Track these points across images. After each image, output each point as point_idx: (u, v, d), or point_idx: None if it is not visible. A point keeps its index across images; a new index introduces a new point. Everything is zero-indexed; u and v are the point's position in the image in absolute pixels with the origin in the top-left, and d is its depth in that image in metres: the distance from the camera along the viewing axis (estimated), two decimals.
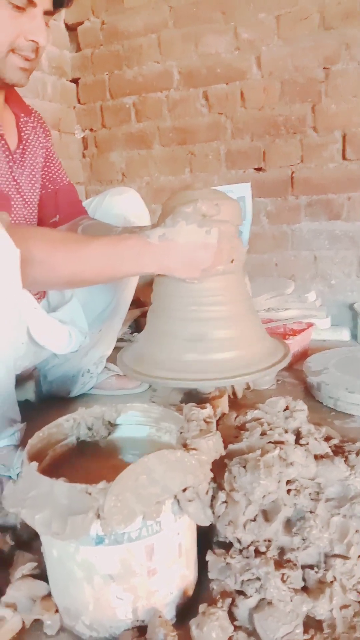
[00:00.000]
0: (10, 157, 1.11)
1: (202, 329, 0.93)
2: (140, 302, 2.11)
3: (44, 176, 1.26)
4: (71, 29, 2.28)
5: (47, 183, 1.27)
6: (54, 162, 1.28)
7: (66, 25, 2.27)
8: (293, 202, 2.06)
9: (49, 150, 1.27)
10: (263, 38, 1.96)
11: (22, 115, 1.18)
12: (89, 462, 0.76)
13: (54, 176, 1.28)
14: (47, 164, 1.27)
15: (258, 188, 2.05)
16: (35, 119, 1.23)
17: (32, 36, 0.96)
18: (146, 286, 1.91)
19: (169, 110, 2.18)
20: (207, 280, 0.91)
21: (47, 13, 0.97)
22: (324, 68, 1.90)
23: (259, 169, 2.09)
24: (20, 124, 1.16)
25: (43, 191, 1.26)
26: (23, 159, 1.16)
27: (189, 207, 0.86)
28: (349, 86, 1.88)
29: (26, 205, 1.18)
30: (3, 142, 1.08)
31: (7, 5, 0.92)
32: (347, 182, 1.96)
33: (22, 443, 1.03)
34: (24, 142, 1.16)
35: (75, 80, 2.33)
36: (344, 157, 1.95)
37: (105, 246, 0.89)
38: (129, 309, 1.43)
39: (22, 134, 1.16)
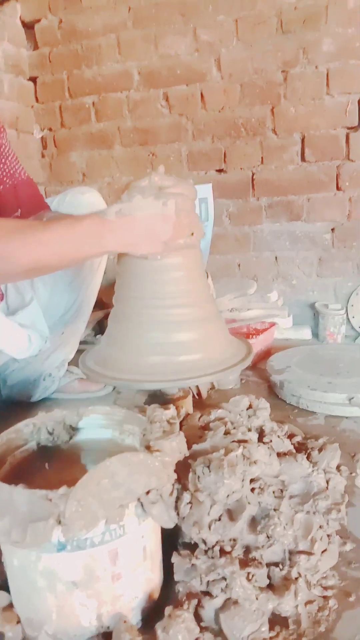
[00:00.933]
0: None
1: (165, 329, 0.92)
2: (103, 304, 2.09)
3: (0, 172, 1.23)
4: (28, 26, 2.24)
5: (4, 178, 1.23)
6: (9, 157, 1.25)
7: (22, 22, 2.23)
8: (254, 204, 2.08)
9: (3, 146, 1.24)
10: (222, 40, 1.97)
11: None
12: (50, 467, 0.74)
13: (11, 171, 1.25)
14: (3, 159, 1.24)
15: (220, 189, 2.06)
16: None
17: None
18: (109, 287, 1.89)
19: (129, 111, 2.17)
20: (170, 281, 0.91)
21: None
22: (283, 71, 1.93)
23: (220, 171, 2.10)
24: None
25: (0, 187, 1.23)
26: None
27: (144, 181, 0.86)
28: (308, 89, 1.91)
29: None
30: None
31: None
32: (306, 183, 1.99)
33: None
34: None
35: (33, 79, 2.29)
36: (303, 159, 1.98)
37: (63, 228, 0.87)
38: (92, 311, 1.41)
39: None
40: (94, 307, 1.41)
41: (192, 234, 0.90)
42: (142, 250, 0.88)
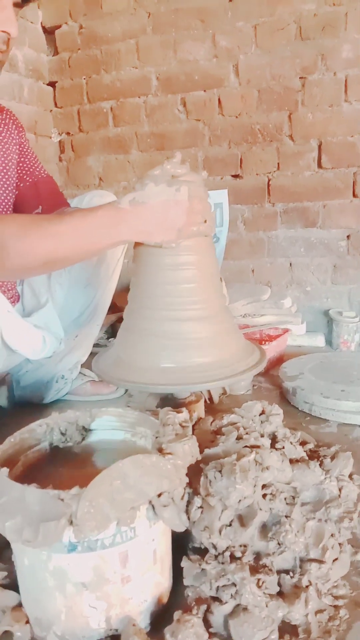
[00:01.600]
0: None
1: (178, 333, 0.92)
2: (116, 307, 2.09)
3: (20, 170, 1.25)
4: (49, 32, 2.27)
5: (24, 176, 1.25)
6: (29, 156, 1.27)
7: (43, 28, 2.26)
8: (269, 209, 2.08)
9: (22, 145, 1.25)
10: (241, 46, 1.98)
11: None
12: (63, 468, 0.74)
13: (31, 169, 1.26)
14: (22, 158, 1.25)
15: (235, 195, 2.06)
16: (7, 116, 1.22)
17: (3, 27, 0.96)
18: (123, 292, 1.90)
19: (146, 116, 2.18)
20: (184, 280, 0.91)
21: (15, 5, 0.98)
22: (301, 78, 1.93)
23: (236, 176, 2.10)
24: None
25: (21, 184, 1.24)
26: None
27: (156, 170, 0.87)
28: (325, 96, 1.91)
29: None
30: None
31: None
32: (322, 190, 1.99)
33: None
34: None
35: (52, 84, 2.31)
36: (319, 166, 1.98)
37: (77, 220, 0.87)
38: (106, 315, 1.42)
39: None
40: (108, 311, 1.42)
41: (205, 221, 0.90)
42: (157, 238, 0.87)
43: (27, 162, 1.26)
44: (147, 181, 0.86)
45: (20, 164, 1.25)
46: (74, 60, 2.25)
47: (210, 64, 2.04)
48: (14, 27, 0.97)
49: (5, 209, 1.20)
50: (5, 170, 1.18)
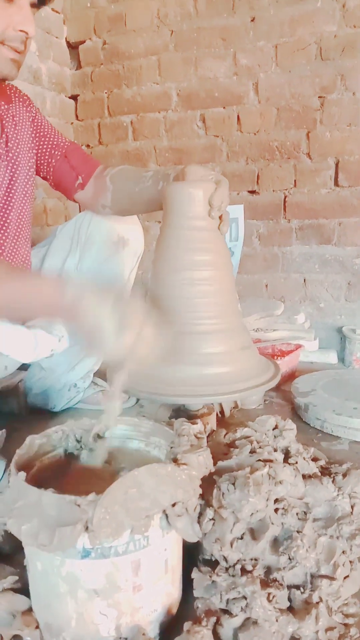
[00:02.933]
0: None
1: (193, 346, 0.93)
2: None
3: (45, 145, 1.26)
4: (73, 47, 2.32)
5: (52, 151, 1.26)
6: (47, 129, 1.27)
7: (68, 43, 2.31)
8: (285, 225, 2.09)
9: (36, 121, 1.25)
10: (261, 65, 2.01)
11: (3, 103, 1.17)
12: (76, 475, 0.75)
13: (55, 142, 1.27)
14: (42, 134, 1.26)
15: (251, 210, 2.08)
16: (19, 101, 1.22)
17: (21, 26, 0.98)
18: None
19: (166, 131, 2.21)
20: (201, 295, 0.92)
21: (33, 6, 1.00)
22: (320, 97, 1.95)
23: (252, 192, 2.12)
24: (0, 111, 1.15)
25: (53, 161, 1.26)
26: (9, 146, 1.15)
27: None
28: (344, 115, 1.92)
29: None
30: None
31: None
32: (338, 208, 2.00)
33: (3, 452, 1.01)
34: (6, 129, 1.15)
35: (74, 97, 2.36)
36: (336, 184, 1.99)
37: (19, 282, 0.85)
38: None
39: (4, 122, 1.15)
40: None
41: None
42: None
43: (49, 137, 1.26)
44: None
45: (43, 140, 1.25)
46: (96, 74, 2.30)
47: (230, 81, 2.07)
48: (32, 27, 0.99)
49: (27, 192, 1.21)
50: (24, 153, 1.19)
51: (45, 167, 1.27)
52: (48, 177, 1.29)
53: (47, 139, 1.26)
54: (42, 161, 1.27)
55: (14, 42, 1.00)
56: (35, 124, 1.25)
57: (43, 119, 1.28)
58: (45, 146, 1.26)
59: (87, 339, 0.77)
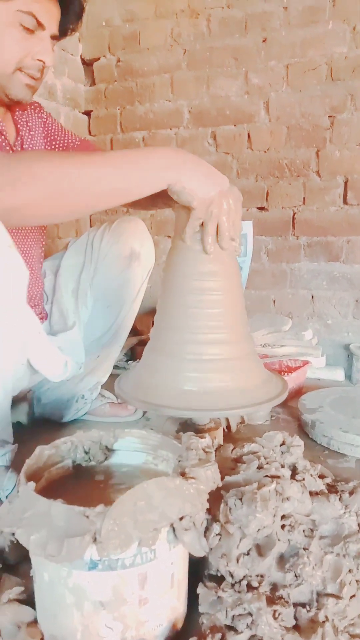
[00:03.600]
0: (10, 149, 1.13)
1: (200, 361, 0.94)
2: (137, 331, 2.12)
3: (56, 147, 1.27)
4: (87, 64, 2.36)
5: (72, 146, 1.28)
6: (58, 131, 1.29)
7: (83, 60, 2.36)
8: (293, 242, 2.11)
9: (47, 124, 1.28)
10: (272, 84, 2.04)
11: (17, 110, 1.20)
12: (84, 487, 0.75)
13: (65, 142, 1.29)
14: (53, 137, 1.28)
15: (260, 226, 2.10)
16: (31, 108, 1.25)
17: (39, 56, 1.02)
18: (144, 316, 1.93)
19: (177, 147, 2.24)
20: (210, 305, 0.93)
21: (53, 37, 1.04)
22: (330, 116, 1.97)
23: (261, 208, 2.14)
24: (15, 117, 1.19)
25: None
26: (24, 148, 1.18)
27: None
28: (353, 135, 1.95)
29: None
30: (3, 136, 1.11)
31: (19, 27, 0.98)
32: (347, 225, 2.01)
33: (13, 464, 1.02)
34: (21, 133, 1.19)
35: (87, 113, 2.40)
36: (345, 202, 2.00)
37: (130, 152, 0.90)
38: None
39: (18, 126, 1.19)
40: (129, 334, 1.44)
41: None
42: (197, 189, 0.88)
43: (60, 137, 1.28)
44: None
45: (55, 141, 1.27)
46: (109, 91, 2.34)
47: (241, 100, 2.10)
48: (50, 57, 1.03)
49: None
50: None
51: None
52: None
53: (57, 141, 1.28)
54: None
55: (31, 70, 1.04)
56: (46, 127, 1.28)
57: (54, 122, 1.30)
58: (56, 148, 1.28)
59: (211, 173, 0.91)
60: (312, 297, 2.11)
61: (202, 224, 0.92)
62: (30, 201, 0.82)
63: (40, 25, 0.99)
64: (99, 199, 0.88)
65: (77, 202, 0.87)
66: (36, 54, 1.01)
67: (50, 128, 1.28)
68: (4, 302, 0.89)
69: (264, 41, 2.03)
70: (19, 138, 1.18)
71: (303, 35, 1.96)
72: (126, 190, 0.89)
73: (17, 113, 1.20)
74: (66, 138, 1.30)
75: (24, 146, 1.18)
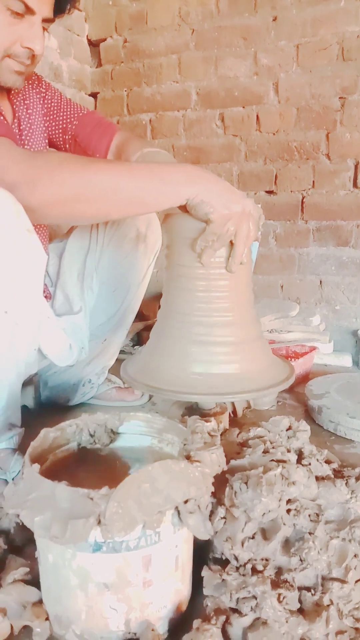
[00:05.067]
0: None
1: (207, 345, 0.93)
2: (143, 316, 2.12)
3: (56, 127, 1.23)
4: (94, 44, 2.33)
5: (64, 136, 1.23)
6: (59, 105, 1.23)
7: (89, 41, 2.32)
8: (302, 227, 2.08)
9: (46, 100, 1.22)
10: (282, 65, 2.00)
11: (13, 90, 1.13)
12: (89, 469, 0.75)
13: (70, 114, 1.24)
14: (54, 112, 1.22)
15: (268, 210, 2.07)
16: (29, 83, 1.19)
17: (28, 43, 0.95)
18: (150, 300, 1.92)
19: (184, 130, 2.21)
20: (216, 298, 0.92)
21: (46, 20, 0.97)
22: (340, 98, 1.93)
23: (270, 192, 2.11)
24: (11, 96, 1.14)
25: (67, 145, 1.23)
26: (21, 130, 1.14)
27: None
28: None
29: None
30: (2, 117, 1.04)
31: (6, 12, 0.91)
32: (357, 209, 1.98)
33: (20, 447, 1.02)
34: (17, 113, 1.14)
35: (94, 95, 2.37)
36: (355, 185, 1.97)
37: (154, 166, 0.89)
38: (133, 322, 1.43)
39: (14, 107, 1.14)
40: (135, 319, 1.43)
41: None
42: (216, 203, 0.86)
43: (61, 117, 1.22)
44: None
45: (55, 122, 1.22)
46: (116, 72, 2.30)
47: (250, 81, 2.06)
48: (39, 45, 0.96)
49: None
50: (37, 135, 1.18)
51: (62, 149, 1.26)
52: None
53: (58, 117, 1.23)
54: (56, 141, 1.25)
55: (20, 57, 0.97)
56: (45, 103, 1.22)
57: (54, 94, 1.24)
58: (56, 127, 1.23)
59: (233, 191, 0.88)
60: (321, 282, 2.09)
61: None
62: (47, 203, 0.84)
63: (29, 10, 0.92)
64: (116, 208, 0.89)
65: (93, 208, 0.87)
66: (25, 40, 0.95)
67: (50, 103, 1.23)
68: (21, 286, 0.88)
69: (274, 20, 1.98)
70: (15, 120, 1.13)
71: (314, 13, 1.92)
72: (143, 201, 0.89)
73: (12, 92, 1.13)
74: (68, 111, 1.24)
75: (21, 127, 1.14)
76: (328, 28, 1.91)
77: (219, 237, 0.88)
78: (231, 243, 0.90)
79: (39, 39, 0.96)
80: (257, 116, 2.07)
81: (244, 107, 2.09)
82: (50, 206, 0.85)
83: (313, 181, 2.03)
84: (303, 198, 2.06)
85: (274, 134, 2.06)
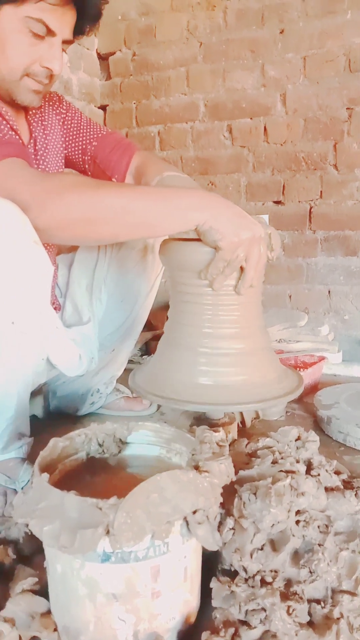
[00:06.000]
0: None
1: (215, 355, 0.93)
2: (152, 326, 2.12)
3: (76, 148, 1.24)
4: (103, 58, 2.36)
5: (83, 157, 1.24)
6: (80, 126, 1.24)
7: (98, 54, 2.36)
8: (310, 237, 2.08)
9: (66, 122, 1.23)
10: (289, 77, 2.01)
11: (31, 108, 1.14)
12: (97, 479, 0.75)
13: (90, 135, 1.24)
14: (75, 133, 1.23)
15: (276, 221, 2.08)
16: (49, 105, 1.20)
17: (47, 63, 0.97)
18: (158, 310, 1.93)
19: (192, 141, 2.23)
20: (226, 300, 0.92)
21: (65, 42, 0.99)
22: (348, 108, 1.95)
23: (277, 202, 2.12)
24: (29, 116, 1.15)
25: (86, 166, 1.24)
26: (37, 149, 1.15)
27: None
28: None
29: None
30: (17, 136, 1.05)
31: (28, 33, 0.93)
32: None
33: (29, 457, 1.03)
34: (34, 133, 1.15)
35: (103, 107, 2.40)
36: None
37: (167, 190, 0.91)
38: (141, 332, 1.44)
39: (31, 127, 1.15)
40: (143, 328, 1.43)
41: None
42: (225, 230, 0.86)
43: (80, 140, 1.23)
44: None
45: (75, 144, 1.23)
46: (125, 85, 2.33)
47: (257, 92, 2.08)
48: (58, 65, 0.98)
49: None
50: (53, 156, 1.18)
51: (81, 169, 1.27)
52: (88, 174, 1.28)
53: (78, 138, 1.24)
54: (76, 161, 1.26)
55: (39, 77, 0.99)
56: (65, 124, 1.23)
57: (74, 115, 1.25)
58: (76, 148, 1.24)
59: (243, 217, 0.88)
60: (329, 292, 2.09)
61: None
62: (55, 225, 0.86)
63: (50, 32, 0.94)
64: (124, 231, 0.90)
65: (101, 231, 0.88)
66: (44, 61, 0.97)
67: (70, 124, 1.24)
68: (28, 297, 0.89)
69: (281, 33, 2.00)
70: (31, 140, 1.14)
71: (321, 25, 1.94)
72: (153, 225, 0.89)
73: (30, 112, 1.15)
74: (88, 132, 1.25)
75: (36, 147, 1.15)
76: (335, 40, 1.92)
77: (229, 264, 0.88)
78: (241, 268, 0.90)
79: (57, 60, 0.97)
80: (265, 127, 2.09)
81: (251, 119, 2.11)
82: (58, 228, 0.87)
83: (321, 191, 2.04)
84: (311, 208, 2.06)
85: (281, 144, 2.07)
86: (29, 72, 0.98)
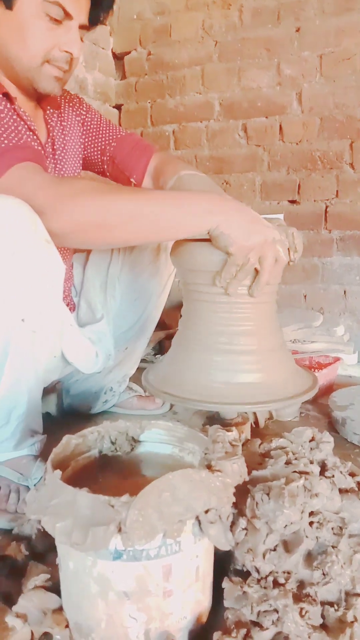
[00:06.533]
0: (42, 150, 1.11)
1: (229, 355, 0.93)
2: (165, 325, 2.12)
3: (95, 149, 1.25)
4: (118, 58, 2.37)
5: (102, 157, 1.25)
6: (99, 127, 1.25)
7: (114, 54, 2.36)
8: (325, 236, 2.07)
9: (85, 123, 1.24)
10: (305, 75, 2.00)
11: (49, 107, 1.16)
12: (110, 477, 0.75)
13: (110, 136, 1.25)
14: (94, 134, 1.24)
15: (291, 220, 2.06)
16: (69, 106, 1.21)
17: (66, 47, 0.98)
18: (172, 309, 1.93)
19: (207, 140, 2.23)
20: (239, 298, 0.91)
21: (82, 27, 1.00)
22: None
23: (293, 202, 2.11)
24: (46, 116, 1.15)
25: (105, 166, 1.25)
26: (55, 149, 1.16)
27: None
28: None
29: None
30: (35, 135, 1.07)
31: (45, 17, 0.95)
32: None
33: (41, 454, 1.03)
34: (52, 133, 1.15)
35: (118, 107, 2.41)
36: None
37: (175, 194, 0.91)
38: (154, 331, 1.44)
39: (49, 127, 1.15)
40: (156, 328, 1.44)
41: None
42: (234, 232, 0.86)
43: (99, 141, 1.24)
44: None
45: (94, 145, 1.24)
46: (140, 84, 2.34)
47: (273, 91, 2.07)
48: (77, 48, 1.00)
49: None
50: (70, 157, 1.19)
51: (100, 170, 1.28)
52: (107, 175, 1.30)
53: (98, 139, 1.25)
54: (95, 162, 1.27)
55: (59, 62, 1.00)
56: (85, 125, 1.25)
57: (94, 116, 1.26)
58: (95, 148, 1.25)
59: (255, 221, 0.88)
60: (345, 292, 2.07)
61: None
62: (68, 229, 0.87)
63: (67, 15, 0.96)
64: (135, 235, 0.91)
65: (113, 235, 0.89)
66: (63, 45, 0.98)
67: (89, 125, 1.25)
68: (40, 295, 0.90)
69: (297, 31, 1.99)
70: (49, 139, 1.15)
71: (337, 23, 1.92)
72: (164, 229, 0.90)
73: (48, 112, 1.16)
74: (107, 133, 1.26)
75: (54, 146, 1.16)
76: (351, 38, 1.90)
77: (241, 268, 0.88)
78: (256, 270, 0.90)
79: (76, 43, 0.99)
80: (280, 126, 2.08)
81: (266, 118, 2.10)
82: (72, 232, 0.88)
83: (337, 191, 2.02)
84: (326, 207, 2.05)
85: (297, 143, 2.06)
86: (49, 58, 0.99)
